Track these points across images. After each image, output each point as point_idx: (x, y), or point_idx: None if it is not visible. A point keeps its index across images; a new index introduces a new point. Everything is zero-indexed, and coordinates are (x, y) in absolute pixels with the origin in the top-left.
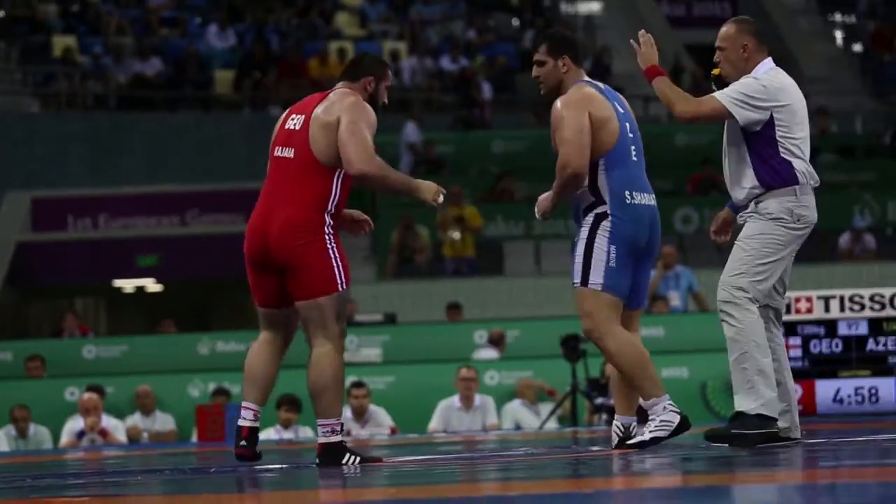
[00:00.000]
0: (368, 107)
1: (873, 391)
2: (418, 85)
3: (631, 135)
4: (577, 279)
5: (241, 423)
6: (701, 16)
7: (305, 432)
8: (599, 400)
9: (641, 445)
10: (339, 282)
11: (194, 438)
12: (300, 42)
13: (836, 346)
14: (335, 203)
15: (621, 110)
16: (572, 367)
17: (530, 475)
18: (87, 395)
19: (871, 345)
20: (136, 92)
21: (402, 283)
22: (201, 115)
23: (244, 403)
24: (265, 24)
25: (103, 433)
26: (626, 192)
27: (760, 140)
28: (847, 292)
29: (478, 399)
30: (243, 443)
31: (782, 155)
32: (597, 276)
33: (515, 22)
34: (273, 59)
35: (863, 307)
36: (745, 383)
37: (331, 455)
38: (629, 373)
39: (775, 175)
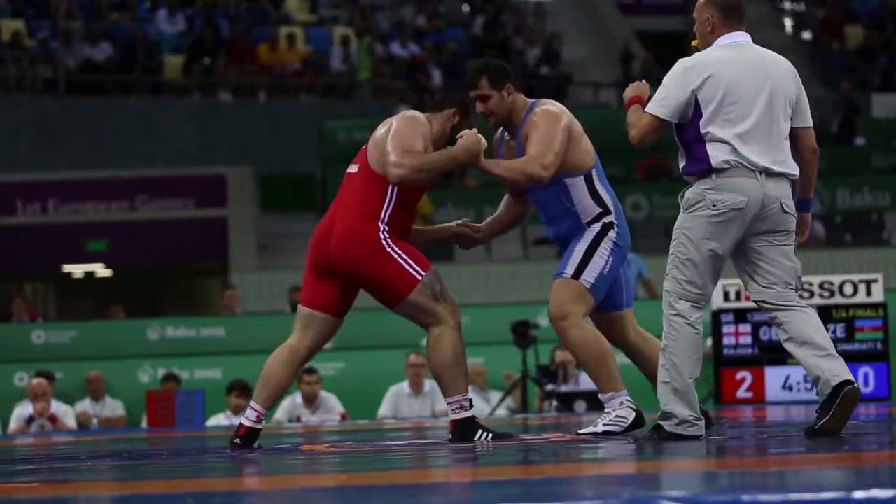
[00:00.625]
0: (419, 117)
1: None
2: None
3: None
4: (569, 270)
5: (243, 420)
6: (651, 3)
7: None
8: (550, 387)
9: (593, 435)
10: (414, 274)
11: (144, 424)
12: (250, 27)
13: None
14: (388, 212)
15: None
16: (523, 353)
17: (480, 461)
18: (36, 381)
19: None
20: (85, 77)
21: None
22: (151, 100)
23: (252, 403)
24: (214, 8)
25: (52, 419)
26: (619, 206)
27: (684, 127)
28: None
29: (427, 385)
30: (237, 440)
31: (705, 139)
32: (590, 275)
33: (465, 8)
34: (222, 44)
35: (812, 295)
36: (664, 403)
37: (463, 431)
38: (591, 364)
39: (694, 163)
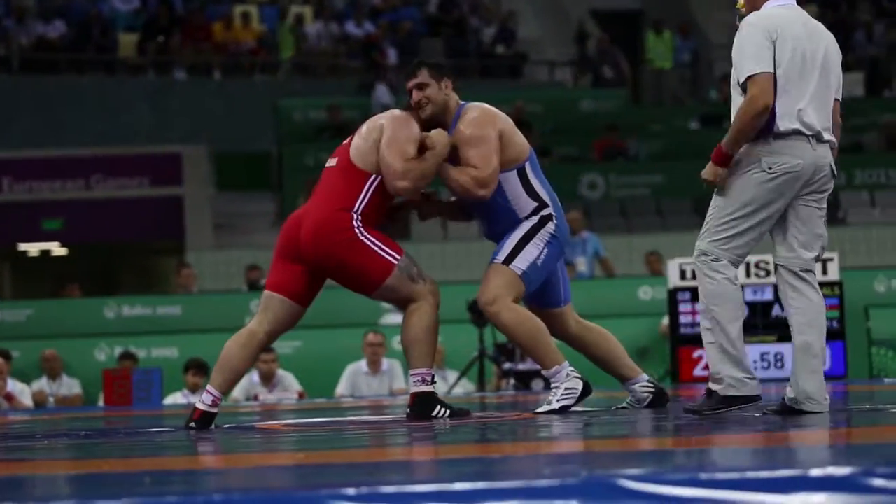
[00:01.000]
0: (409, 119)
1: (779, 357)
2: (324, 50)
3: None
4: (500, 257)
5: (197, 404)
6: None
7: None
8: (507, 365)
9: (551, 414)
10: (390, 259)
11: (101, 403)
12: (204, 5)
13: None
14: (363, 203)
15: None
16: (480, 332)
17: (438, 440)
18: None
19: (776, 311)
20: (39, 55)
21: None
22: (105, 79)
23: (208, 387)
24: None
25: (9, 398)
26: (557, 200)
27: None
28: (752, 258)
29: (385, 363)
30: (192, 424)
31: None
32: (522, 263)
33: None
34: (177, 23)
35: (768, 273)
36: (713, 366)
37: (422, 404)
38: (527, 343)
39: None
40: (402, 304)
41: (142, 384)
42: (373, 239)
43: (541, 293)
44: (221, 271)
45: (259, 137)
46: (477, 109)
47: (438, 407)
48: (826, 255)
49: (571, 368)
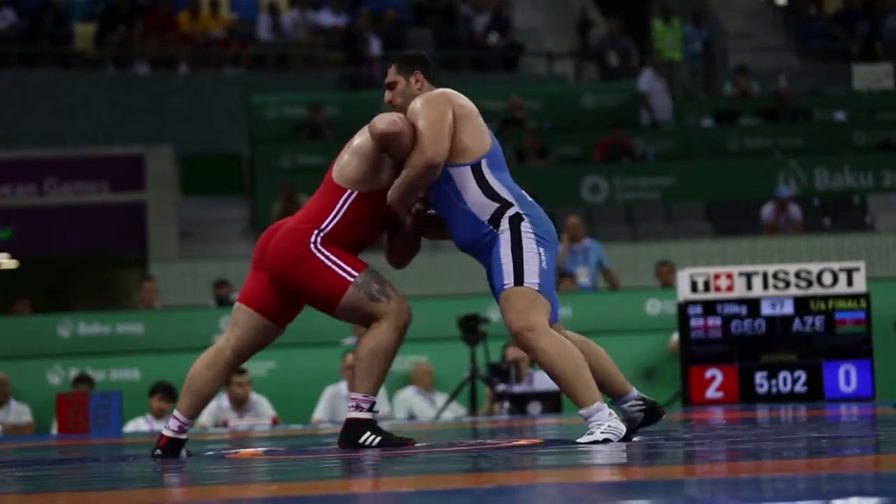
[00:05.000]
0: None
1: (799, 376)
2: (300, 41)
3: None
4: (509, 280)
5: (164, 430)
6: None
7: None
8: (501, 387)
9: (593, 444)
10: (345, 276)
11: (54, 431)
12: None
13: (760, 326)
14: (334, 220)
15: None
16: (471, 350)
17: (425, 469)
18: None
19: (797, 325)
20: None
21: None
22: (60, 73)
23: (175, 412)
24: None
25: None
26: (523, 192)
27: None
28: (771, 268)
29: None
30: (158, 451)
31: None
32: (532, 276)
33: None
34: (139, 12)
35: (788, 284)
36: None
37: (350, 431)
38: (564, 376)
39: None
40: (367, 325)
41: (100, 409)
42: (328, 254)
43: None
44: (188, 285)
45: (229, 137)
46: (436, 91)
47: (368, 434)
48: (852, 265)
49: (611, 410)
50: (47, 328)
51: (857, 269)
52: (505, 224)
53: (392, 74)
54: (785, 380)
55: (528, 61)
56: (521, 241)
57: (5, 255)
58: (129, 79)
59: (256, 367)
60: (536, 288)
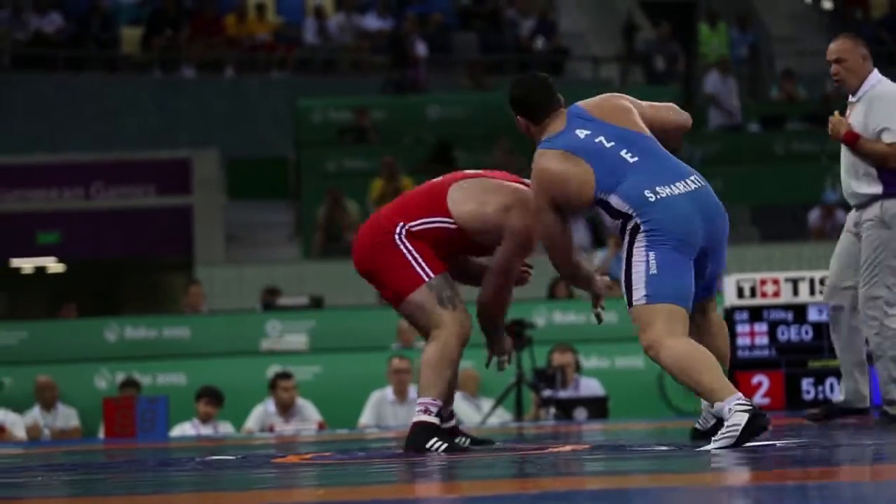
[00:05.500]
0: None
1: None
2: (346, 44)
3: (611, 143)
4: (629, 304)
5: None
6: None
7: (226, 428)
8: (547, 392)
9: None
10: (421, 273)
11: (101, 435)
12: None
13: (806, 332)
14: (421, 227)
15: (584, 135)
16: (517, 356)
17: (473, 474)
18: None
19: None
20: (34, 51)
21: (330, 263)
22: (107, 77)
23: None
24: None
25: None
26: (646, 192)
27: None
28: (818, 274)
29: (412, 391)
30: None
31: None
32: (639, 291)
33: None
34: (186, 15)
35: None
36: (884, 392)
37: (417, 435)
38: (686, 382)
39: None
40: (424, 330)
41: (146, 414)
42: (410, 248)
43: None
44: (234, 289)
45: (275, 141)
46: (532, 178)
47: (435, 440)
48: None
49: (738, 400)
50: (94, 332)
51: None
52: (627, 237)
53: (515, 112)
54: (832, 386)
55: (574, 65)
56: (631, 255)
57: (53, 259)
58: (175, 83)
59: (302, 371)
60: (644, 301)
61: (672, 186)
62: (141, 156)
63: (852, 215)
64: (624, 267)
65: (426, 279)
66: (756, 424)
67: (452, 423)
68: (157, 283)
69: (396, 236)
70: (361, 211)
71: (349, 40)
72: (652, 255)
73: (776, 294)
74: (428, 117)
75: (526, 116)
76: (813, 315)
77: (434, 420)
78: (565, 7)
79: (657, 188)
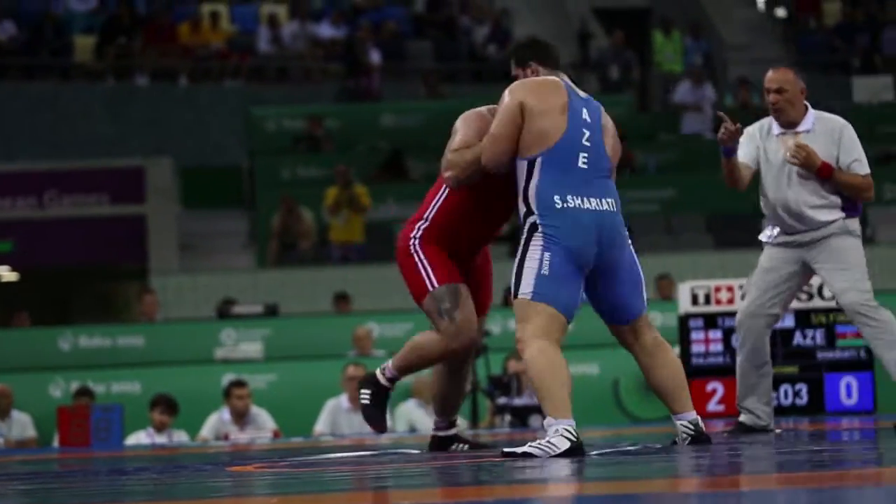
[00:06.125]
0: (475, 113)
1: (799, 389)
2: (300, 53)
3: (587, 143)
4: (514, 292)
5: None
6: None
7: (180, 436)
8: (502, 399)
9: (511, 455)
10: (426, 282)
11: (56, 443)
12: (169, 4)
13: None
14: (434, 210)
15: (584, 117)
16: (472, 363)
17: (425, 482)
18: None
19: (797, 338)
20: None
21: (285, 271)
22: (60, 85)
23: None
24: None
25: None
26: (556, 197)
27: None
28: None
29: None
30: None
31: None
32: (526, 286)
33: None
34: (139, 24)
35: None
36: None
37: (364, 381)
38: (535, 387)
39: (854, 209)
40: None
41: (101, 423)
42: (423, 256)
43: (597, 306)
44: (188, 298)
45: (229, 149)
46: (515, 85)
47: (365, 390)
48: None
49: (568, 428)
50: (48, 341)
51: None
52: (525, 231)
53: (513, 69)
54: (786, 393)
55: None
56: (526, 251)
57: (6, 267)
58: (129, 91)
59: (257, 379)
60: (529, 297)
61: (586, 200)
62: (95, 164)
63: (796, 254)
64: (518, 259)
65: (430, 289)
66: (572, 456)
67: (453, 431)
68: (111, 292)
69: (412, 243)
70: (316, 219)
71: (303, 49)
72: (547, 255)
73: (730, 301)
74: (382, 125)
75: (539, 59)
76: None
77: (379, 377)
78: (519, 15)
79: (569, 196)
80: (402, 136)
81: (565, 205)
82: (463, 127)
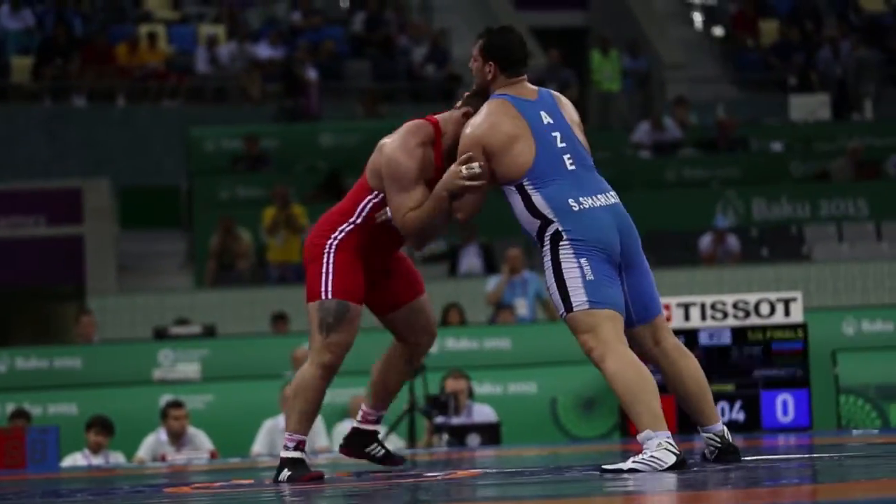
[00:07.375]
0: (411, 140)
1: (737, 405)
2: (238, 73)
3: (563, 144)
4: (563, 309)
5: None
6: None
7: (117, 458)
8: (440, 419)
9: (618, 472)
10: (321, 291)
11: None
12: (106, 25)
13: (698, 357)
14: (362, 214)
15: (547, 121)
16: (410, 382)
17: (368, 502)
18: None
19: (734, 355)
20: None
21: (222, 291)
22: None
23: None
24: (66, 4)
25: None
26: (570, 200)
27: None
28: (709, 299)
29: None
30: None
31: None
32: (579, 297)
33: (345, 3)
34: (76, 44)
35: (725, 315)
36: None
37: (279, 469)
38: (623, 398)
39: None
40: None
41: (37, 444)
42: (332, 262)
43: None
44: (126, 319)
45: (168, 170)
46: (465, 133)
47: (285, 470)
48: (789, 295)
49: (669, 439)
50: None
51: (795, 300)
52: (547, 243)
53: (476, 51)
54: (723, 409)
55: (466, 92)
56: (560, 263)
57: None
58: (66, 112)
59: (195, 400)
60: (587, 306)
61: (594, 198)
62: (31, 185)
63: None
64: (553, 274)
65: (322, 298)
66: (677, 469)
67: (376, 428)
68: (48, 314)
69: (329, 244)
70: (254, 239)
71: (241, 69)
72: (584, 261)
73: (668, 319)
74: (321, 145)
75: (499, 63)
76: (704, 339)
77: (292, 455)
78: (457, 34)
79: (581, 198)
80: (341, 156)
81: (581, 206)
82: (407, 170)
